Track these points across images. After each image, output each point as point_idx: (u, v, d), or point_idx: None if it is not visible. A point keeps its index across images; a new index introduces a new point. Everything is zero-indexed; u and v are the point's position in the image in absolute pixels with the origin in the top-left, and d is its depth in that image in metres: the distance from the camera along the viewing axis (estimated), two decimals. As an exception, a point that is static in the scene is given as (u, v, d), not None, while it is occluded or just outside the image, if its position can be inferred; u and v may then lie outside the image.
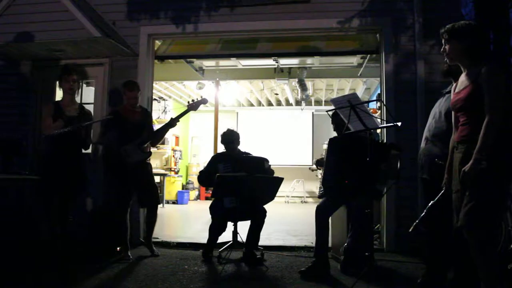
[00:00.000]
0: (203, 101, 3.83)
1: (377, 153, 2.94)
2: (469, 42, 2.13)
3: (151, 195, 3.79)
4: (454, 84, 2.31)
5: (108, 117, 3.76)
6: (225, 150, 3.93)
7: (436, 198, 2.36)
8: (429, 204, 2.39)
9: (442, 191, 2.36)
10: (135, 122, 3.72)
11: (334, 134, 3.63)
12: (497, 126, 1.98)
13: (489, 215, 2.01)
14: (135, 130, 3.67)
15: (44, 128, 3.51)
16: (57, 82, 3.68)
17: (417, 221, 2.39)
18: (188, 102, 3.82)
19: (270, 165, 3.73)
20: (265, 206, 3.65)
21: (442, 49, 2.25)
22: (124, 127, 3.66)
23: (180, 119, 3.74)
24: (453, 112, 2.30)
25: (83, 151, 3.74)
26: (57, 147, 3.35)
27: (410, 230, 2.38)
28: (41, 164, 3.49)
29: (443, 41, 2.24)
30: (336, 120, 3.36)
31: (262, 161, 3.70)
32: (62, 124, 3.39)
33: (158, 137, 3.87)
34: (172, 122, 3.72)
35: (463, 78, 2.21)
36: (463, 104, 2.14)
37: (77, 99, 3.90)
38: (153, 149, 4.06)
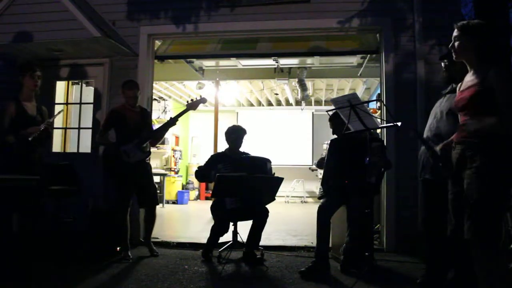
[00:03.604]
0: (202, 101, 3.83)
1: (361, 148, 2.99)
2: (480, 40, 2.12)
3: (150, 196, 3.79)
4: (459, 84, 2.29)
5: (60, 111, 3.81)
6: (225, 150, 3.93)
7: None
8: None
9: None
10: (134, 122, 3.71)
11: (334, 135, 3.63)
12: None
13: (493, 224, 1.98)
14: (134, 130, 3.66)
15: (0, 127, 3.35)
16: (20, 78, 3.51)
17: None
18: (187, 101, 3.83)
19: (271, 167, 3.73)
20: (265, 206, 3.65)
21: (450, 45, 2.23)
22: (123, 127, 3.67)
23: (179, 119, 3.74)
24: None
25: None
26: (21, 144, 3.29)
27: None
28: (5, 161, 3.41)
29: (452, 37, 2.19)
30: (335, 122, 3.37)
31: (265, 162, 3.70)
32: (13, 139, 3.27)
33: (157, 136, 3.87)
34: (172, 122, 3.73)
35: (468, 78, 2.19)
36: (466, 103, 2.12)
37: (76, 98, 3.88)
38: (153, 149, 4.06)
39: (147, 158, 3.84)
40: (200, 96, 3.85)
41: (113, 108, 3.88)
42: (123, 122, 3.67)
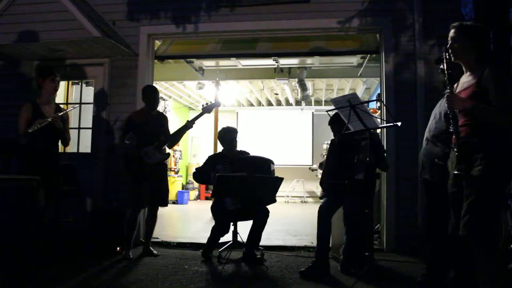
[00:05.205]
0: (217, 104, 3.98)
1: (351, 146, 2.97)
2: (479, 41, 2.12)
3: (161, 195, 3.82)
4: (456, 84, 2.30)
5: (75, 106, 4.03)
6: (222, 150, 3.93)
7: None
8: None
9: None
10: (153, 125, 3.78)
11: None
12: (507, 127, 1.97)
13: (491, 223, 1.98)
14: (153, 133, 3.73)
15: (19, 129, 3.40)
16: (39, 81, 3.57)
17: None
18: (203, 105, 3.91)
19: (274, 168, 3.74)
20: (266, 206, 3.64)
21: (448, 46, 2.22)
22: (142, 130, 3.71)
23: (195, 121, 3.81)
24: None
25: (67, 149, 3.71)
26: (37, 143, 3.31)
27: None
28: (23, 161, 3.44)
29: (450, 38, 2.20)
30: (335, 126, 3.37)
31: (268, 163, 3.71)
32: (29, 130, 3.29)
33: (175, 139, 3.94)
34: (188, 125, 3.82)
35: (464, 79, 2.19)
36: None
37: (76, 98, 3.90)
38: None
39: (166, 160, 3.88)
40: (215, 100, 3.94)
41: (132, 113, 3.92)
42: (141, 126, 3.72)
